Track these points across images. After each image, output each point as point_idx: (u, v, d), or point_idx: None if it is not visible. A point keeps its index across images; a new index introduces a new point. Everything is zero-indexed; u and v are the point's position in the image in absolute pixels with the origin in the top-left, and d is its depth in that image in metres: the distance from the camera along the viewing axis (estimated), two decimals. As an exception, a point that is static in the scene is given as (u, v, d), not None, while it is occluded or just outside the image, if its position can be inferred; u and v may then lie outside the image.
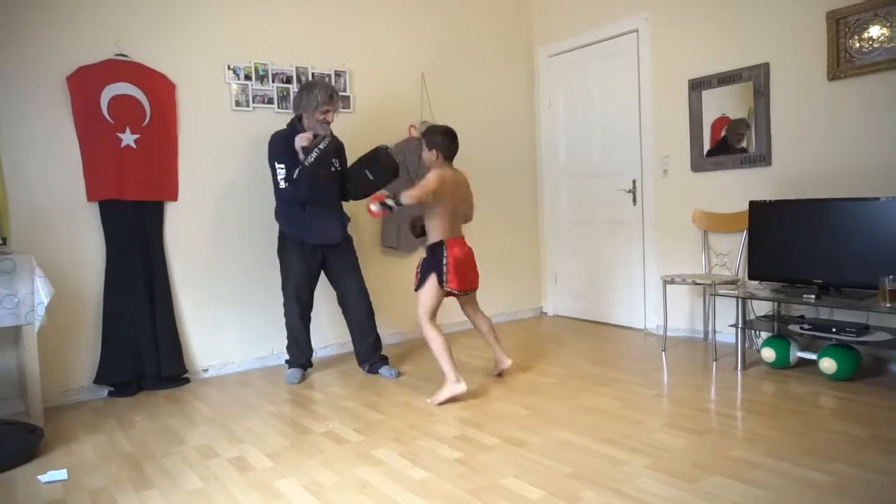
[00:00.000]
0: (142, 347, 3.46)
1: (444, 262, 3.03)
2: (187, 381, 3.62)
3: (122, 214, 3.42)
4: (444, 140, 3.11)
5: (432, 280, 3.04)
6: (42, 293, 2.84)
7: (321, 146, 3.27)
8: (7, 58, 3.15)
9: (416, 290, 3.10)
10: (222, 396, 3.33)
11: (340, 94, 4.14)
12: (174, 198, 3.61)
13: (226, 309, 3.78)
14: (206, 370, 3.73)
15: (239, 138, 3.79)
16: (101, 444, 2.69)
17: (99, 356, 3.38)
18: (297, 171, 3.25)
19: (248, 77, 3.83)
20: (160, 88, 3.53)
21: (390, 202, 3.02)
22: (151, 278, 3.51)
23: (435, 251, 3.07)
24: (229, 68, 3.77)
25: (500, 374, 3.39)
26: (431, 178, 3.00)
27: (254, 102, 3.85)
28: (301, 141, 3.28)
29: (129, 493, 2.20)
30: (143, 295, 3.46)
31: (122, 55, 3.41)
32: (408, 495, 2.07)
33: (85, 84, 3.31)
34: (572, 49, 4.79)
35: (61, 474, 2.36)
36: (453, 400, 2.99)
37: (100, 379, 3.37)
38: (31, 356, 2.86)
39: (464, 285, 3.09)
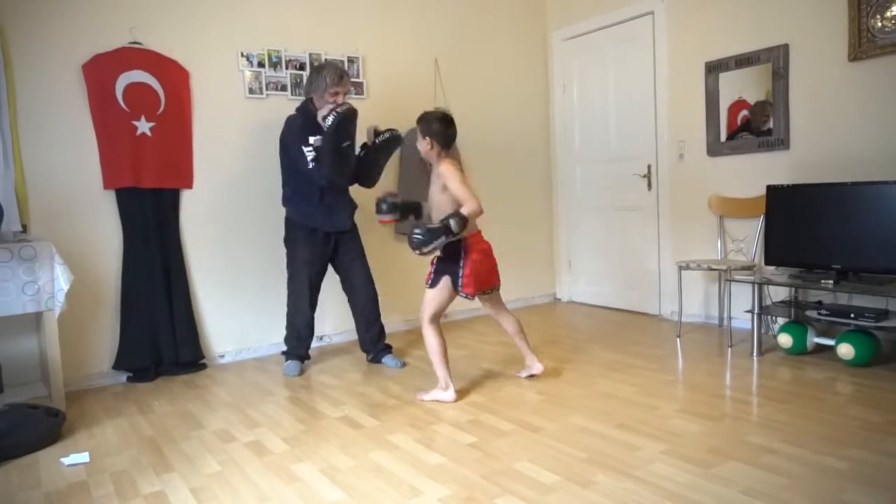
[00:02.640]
0: (159, 333, 3.50)
1: (462, 265, 2.77)
2: (204, 366, 3.66)
3: (138, 202, 3.45)
4: (441, 127, 2.82)
5: (445, 283, 2.81)
6: (62, 280, 2.88)
7: (338, 110, 3.16)
8: (24, 46, 3.17)
9: (427, 286, 2.87)
10: (239, 381, 3.37)
11: (353, 80, 4.14)
12: (189, 185, 3.64)
13: (241, 295, 3.81)
14: (223, 356, 3.78)
15: (253, 125, 3.80)
16: (121, 427, 2.74)
17: (118, 342, 3.43)
18: (318, 139, 3.18)
19: (261, 64, 3.83)
20: (174, 76, 3.55)
21: (390, 205, 2.88)
22: (168, 265, 3.55)
23: (451, 251, 2.79)
24: (243, 55, 3.77)
25: (530, 377, 3.12)
26: (457, 172, 2.75)
27: (267, 89, 3.85)
28: (324, 112, 3.20)
29: (150, 475, 2.24)
30: (160, 281, 3.50)
31: (136, 43, 3.43)
32: (423, 479, 2.09)
33: (100, 72, 3.33)
34: (587, 32, 4.74)
35: (83, 457, 2.41)
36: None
37: (119, 364, 3.42)
38: (52, 342, 2.91)
39: (480, 287, 2.85)
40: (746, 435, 2.31)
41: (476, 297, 2.89)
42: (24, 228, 3.14)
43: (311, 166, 3.24)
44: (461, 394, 2.93)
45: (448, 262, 2.82)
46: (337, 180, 3.30)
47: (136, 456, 2.42)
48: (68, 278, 2.89)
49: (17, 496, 2.13)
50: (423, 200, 3.02)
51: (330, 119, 3.14)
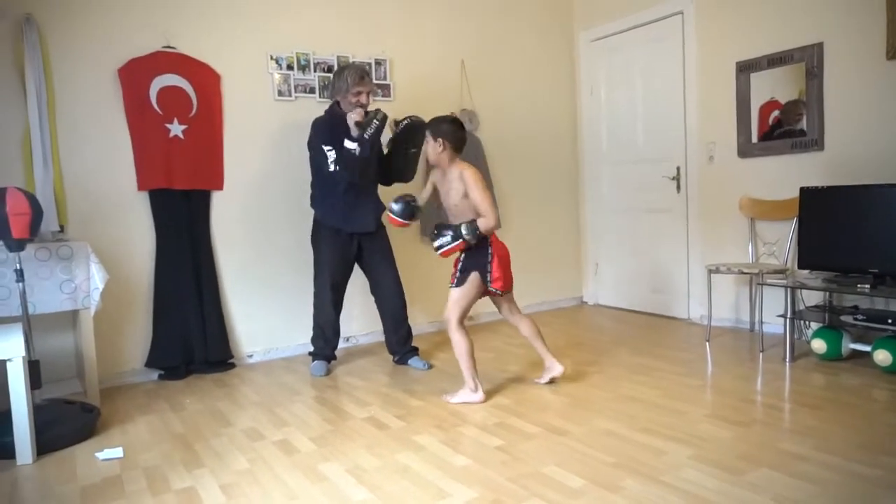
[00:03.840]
0: (190, 332, 3.57)
1: (490, 259, 2.81)
2: (233, 365, 3.72)
3: (170, 203, 3.52)
4: (451, 129, 2.85)
5: (474, 279, 2.81)
6: (97, 278, 2.96)
7: (378, 118, 3.20)
8: (63, 51, 3.26)
9: (453, 287, 2.86)
10: (267, 381, 3.42)
11: (381, 82, 4.16)
12: (220, 187, 3.70)
13: (270, 295, 3.86)
14: (251, 355, 3.83)
15: (282, 127, 3.85)
16: (153, 424, 2.80)
17: (150, 340, 3.51)
18: (355, 145, 3.18)
19: (290, 67, 3.88)
20: (206, 79, 3.61)
21: (403, 205, 2.93)
22: (199, 265, 3.61)
23: (478, 248, 2.82)
24: (272, 58, 3.82)
25: (552, 381, 3.05)
26: (476, 176, 2.79)
27: (296, 92, 3.90)
28: (355, 116, 3.22)
29: (181, 471, 2.28)
30: (191, 282, 3.57)
31: (169, 47, 3.50)
32: (449, 481, 2.10)
33: (135, 76, 3.41)
34: (614, 33, 4.70)
35: (117, 452, 2.46)
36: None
37: (151, 362, 3.50)
38: (88, 339, 2.99)
39: (508, 285, 2.89)
40: (778, 441, 2.27)
41: (503, 294, 2.92)
42: (62, 228, 3.23)
43: (332, 169, 3.27)
44: (487, 396, 2.92)
45: (475, 259, 2.83)
46: (357, 181, 3.30)
47: (168, 452, 2.47)
48: (103, 277, 2.97)
49: (55, 489, 2.19)
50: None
51: (372, 129, 3.18)
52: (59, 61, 3.25)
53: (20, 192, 2.58)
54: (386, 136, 3.44)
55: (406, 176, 3.54)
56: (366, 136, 3.19)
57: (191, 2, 3.58)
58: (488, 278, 2.81)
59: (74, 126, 3.31)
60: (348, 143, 3.21)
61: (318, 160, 3.36)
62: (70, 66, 3.29)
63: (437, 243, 2.81)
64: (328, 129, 3.32)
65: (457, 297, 2.84)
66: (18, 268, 2.63)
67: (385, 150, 3.50)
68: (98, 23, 3.34)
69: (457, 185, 2.84)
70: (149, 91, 3.43)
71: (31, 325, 2.69)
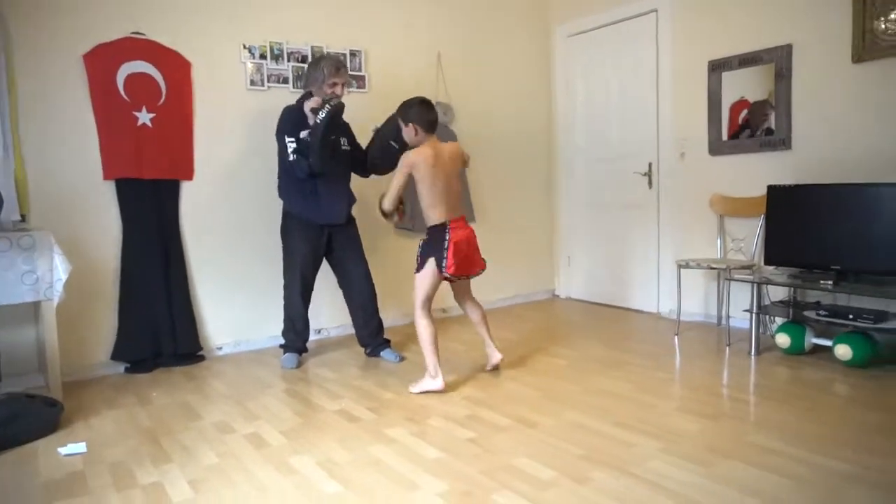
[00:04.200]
0: (158, 324, 3.50)
1: (445, 245, 2.86)
2: (202, 358, 3.66)
3: (138, 193, 3.45)
4: (419, 110, 2.90)
5: (430, 264, 2.89)
6: (60, 269, 2.88)
7: (331, 103, 3.17)
8: (27, 35, 3.16)
9: (416, 272, 2.95)
10: (237, 374, 3.37)
11: (355, 73, 4.12)
12: (190, 177, 3.63)
13: (240, 287, 3.81)
14: (220, 348, 3.78)
15: (254, 117, 3.79)
16: (119, 418, 2.74)
17: (116, 332, 3.43)
18: (307, 133, 3.17)
19: (263, 56, 3.82)
20: (176, 67, 3.53)
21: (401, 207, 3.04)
22: (167, 256, 3.54)
23: (435, 234, 2.90)
24: (244, 47, 3.76)
25: (495, 369, 3.17)
26: (400, 167, 2.90)
27: (269, 82, 3.84)
28: (311, 103, 3.20)
29: (148, 466, 2.24)
30: (159, 273, 3.50)
31: (138, 33, 3.41)
32: (422, 474, 2.09)
33: (102, 62, 3.31)
34: (591, 29, 4.73)
35: (80, 447, 2.41)
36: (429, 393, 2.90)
37: (117, 355, 3.42)
38: (50, 331, 2.91)
39: (462, 270, 2.92)
40: (745, 434, 2.32)
41: (457, 279, 2.99)
42: (24, 218, 3.14)
43: (291, 158, 3.23)
44: (458, 388, 2.93)
45: (432, 245, 2.91)
46: (318, 171, 3.24)
47: (135, 447, 2.42)
48: (67, 268, 2.89)
49: (17, 486, 2.13)
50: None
51: (323, 113, 3.13)
52: (22, 45, 3.14)
53: (-21, 179, 2.49)
54: (370, 130, 3.44)
55: (380, 168, 3.51)
56: (318, 119, 3.13)
57: (160, -14, 3.49)
58: (443, 264, 2.86)
59: (37, 112, 3.21)
60: (303, 133, 3.18)
61: (280, 149, 3.32)
62: (33, 51, 3.18)
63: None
64: (293, 119, 3.28)
65: (418, 281, 2.93)
66: (-23, 257, 2.55)
67: (368, 142, 3.47)
68: (63, 5, 3.24)
69: (450, 165, 2.96)
70: (116, 77, 3.34)
71: (-10, 316, 2.61)
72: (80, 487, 2.09)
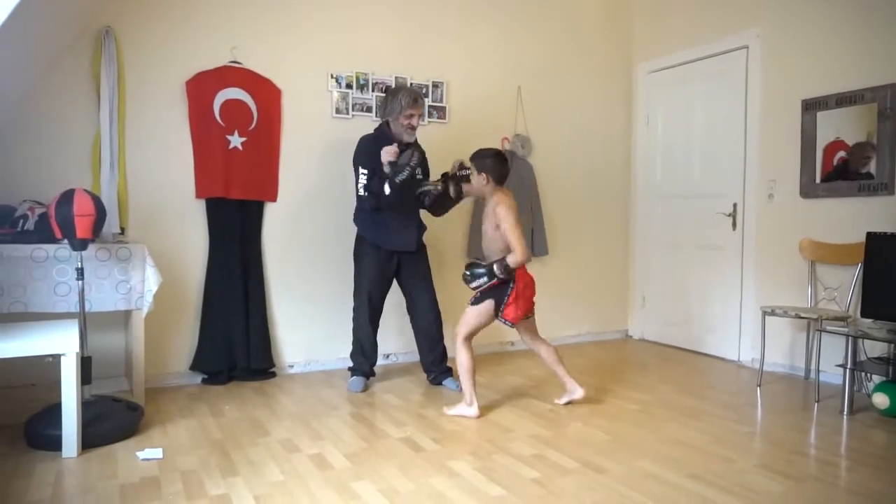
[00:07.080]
0: (235, 339, 3.63)
1: (509, 293, 2.92)
2: (274, 374, 3.76)
3: (225, 212, 3.62)
4: (494, 163, 3.00)
5: (488, 305, 2.95)
6: (151, 281, 3.04)
7: (411, 163, 3.28)
8: (136, 64, 3.42)
9: (471, 304, 3.01)
10: (306, 393, 3.44)
11: (437, 104, 4.21)
12: (274, 199, 3.78)
13: (314, 308, 3.90)
14: (292, 366, 3.87)
15: (337, 144, 3.92)
16: (193, 428, 2.84)
17: (196, 344, 3.58)
18: (386, 186, 3.25)
19: (349, 85, 3.96)
20: (268, 94, 3.72)
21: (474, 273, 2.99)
22: (248, 274, 3.69)
23: (505, 281, 2.93)
24: (332, 77, 3.91)
25: (570, 403, 3.18)
26: (513, 214, 2.92)
27: (353, 110, 3.97)
28: (387, 155, 3.26)
29: (216, 478, 2.30)
30: (239, 289, 3.64)
31: (235, 62, 3.62)
32: (482, 511, 2.04)
33: (201, 88, 3.53)
34: (674, 65, 4.63)
35: (157, 453, 2.51)
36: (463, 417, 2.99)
37: (195, 366, 3.57)
38: (138, 339, 3.07)
39: (520, 317, 2.98)
40: (834, 501, 2.13)
41: (513, 326, 3.02)
42: (122, 231, 3.35)
43: (361, 193, 3.32)
44: (524, 426, 2.87)
45: (497, 289, 2.96)
46: (386, 208, 3.33)
47: (205, 457, 2.49)
48: (158, 280, 3.05)
49: (96, 485, 2.24)
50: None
51: (404, 174, 3.26)
52: (131, 72, 3.41)
53: (87, 194, 2.69)
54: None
55: (439, 213, 3.55)
56: (396, 181, 3.26)
57: (257, 20, 3.70)
58: (501, 308, 2.94)
59: (140, 132, 3.44)
60: (386, 188, 3.26)
61: (356, 177, 3.39)
62: (141, 77, 3.43)
63: (473, 284, 2.97)
64: (368, 150, 3.36)
65: (470, 314, 3.01)
66: (80, 266, 2.73)
67: (438, 182, 3.40)
68: (170, 37, 3.49)
69: (492, 216, 2.99)
70: (213, 103, 3.55)
71: (86, 322, 2.78)
72: (153, 492, 2.17)
